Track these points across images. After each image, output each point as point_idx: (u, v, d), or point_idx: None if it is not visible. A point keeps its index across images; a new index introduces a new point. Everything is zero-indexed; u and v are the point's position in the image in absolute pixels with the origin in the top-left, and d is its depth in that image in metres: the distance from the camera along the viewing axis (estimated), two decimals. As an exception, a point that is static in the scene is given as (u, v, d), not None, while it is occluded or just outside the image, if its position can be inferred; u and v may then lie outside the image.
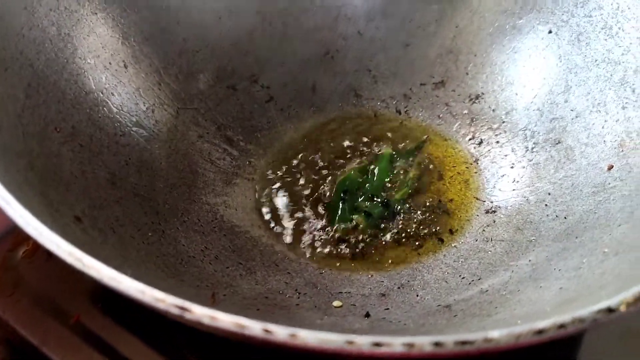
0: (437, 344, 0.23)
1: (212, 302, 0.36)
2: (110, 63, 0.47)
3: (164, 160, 0.47)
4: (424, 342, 0.23)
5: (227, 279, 0.40)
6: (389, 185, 0.49)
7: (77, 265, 0.25)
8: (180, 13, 0.52)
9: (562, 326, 0.24)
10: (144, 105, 0.48)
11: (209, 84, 0.53)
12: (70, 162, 0.39)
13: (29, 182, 0.33)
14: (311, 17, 0.56)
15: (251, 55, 0.55)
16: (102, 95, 0.45)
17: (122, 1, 0.49)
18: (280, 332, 0.23)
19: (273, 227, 0.46)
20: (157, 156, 0.47)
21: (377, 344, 0.23)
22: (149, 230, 0.41)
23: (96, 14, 0.46)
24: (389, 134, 0.53)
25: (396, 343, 0.23)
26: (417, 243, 0.45)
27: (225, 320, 0.23)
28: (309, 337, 0.23)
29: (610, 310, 0.25)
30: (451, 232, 0.46)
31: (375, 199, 0.48)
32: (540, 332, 0.24)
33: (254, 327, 0.23)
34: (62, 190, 0.36)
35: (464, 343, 0.23)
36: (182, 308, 0.24)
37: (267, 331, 0.23)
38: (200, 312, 0.24)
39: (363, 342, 0.23)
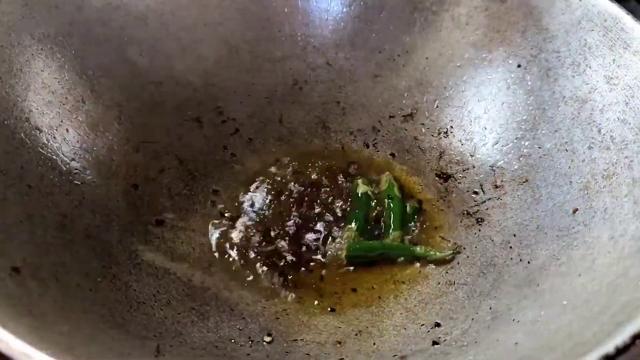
0: None
1: (156, 354, 0.35)
2: (66, 98, 0.46)
3: (121, 197, 0.46)
4: None
5: (177, 327, 0.39)
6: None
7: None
8: (144, 44, 0.51)
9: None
10: (102, 141, 0.47)
11: (173, 116, 0.51)
12: (16, 206, 0.38)
13: (-39, 234, 0.32)
14: (279, 46, 0.55)
15: (217, 86, 0.53)
16: (56, 132, 0.44)
17: (82, 35, 0.47)
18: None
19: (230, 267, 0.45)
20: (114, 194, 0.45)
21: None
22: (99, 275, 0.39)
23: (52, 48, 0.45)
24: (357, 169, 0.52)
25: None
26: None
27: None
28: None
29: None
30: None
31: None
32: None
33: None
34: (2, 239, 0.35)
35: None
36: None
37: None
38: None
39: None
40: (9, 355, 0.24)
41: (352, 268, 0.45)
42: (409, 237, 0.47)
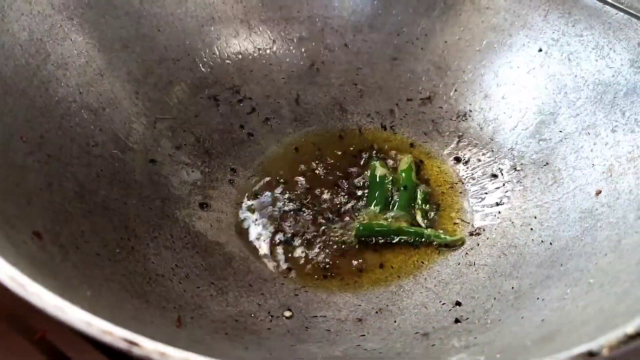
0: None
1: (178, 325, 0.35)
2: (85, 70, 0.45)
3: (138, 172, 0.45)
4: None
5: (196, 300, 0.38)
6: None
7: (19, 291, 0.23)
8: (162, 20, 0.51)
9: (538, 370, 0.23)
10: (120, 115, 0.46)
11: (189, 93, 0.51)
12: (36, 173, 0.38)
13: (-15, 196, 0.32)
14: (297, 27, 0.55)
15: (233, 65, 0.53)
16: (74, 104, 0.43)
17: (101, 7, 0.47)
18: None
19: (249, 245, 0.45)
20: (131, 168, 0.45)
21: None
22: (117, 247, 0.39)
23: (72, 19, 0.45)
24: (374, 151, 0.52)
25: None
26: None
27: (175, 356, 0.22)
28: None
29: (591, 354, 0.23)
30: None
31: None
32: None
33: (206, 365, 0.21)
34: (23, 204, 0.35)
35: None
36: (131, 342, 0.22)
37: (221, 370, 0.21)
38: (150, 348, 0.22)
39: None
40: (41, 308, 0.23)
41: (369, 249, 0.45)
42: (422, 219, 0.47)
